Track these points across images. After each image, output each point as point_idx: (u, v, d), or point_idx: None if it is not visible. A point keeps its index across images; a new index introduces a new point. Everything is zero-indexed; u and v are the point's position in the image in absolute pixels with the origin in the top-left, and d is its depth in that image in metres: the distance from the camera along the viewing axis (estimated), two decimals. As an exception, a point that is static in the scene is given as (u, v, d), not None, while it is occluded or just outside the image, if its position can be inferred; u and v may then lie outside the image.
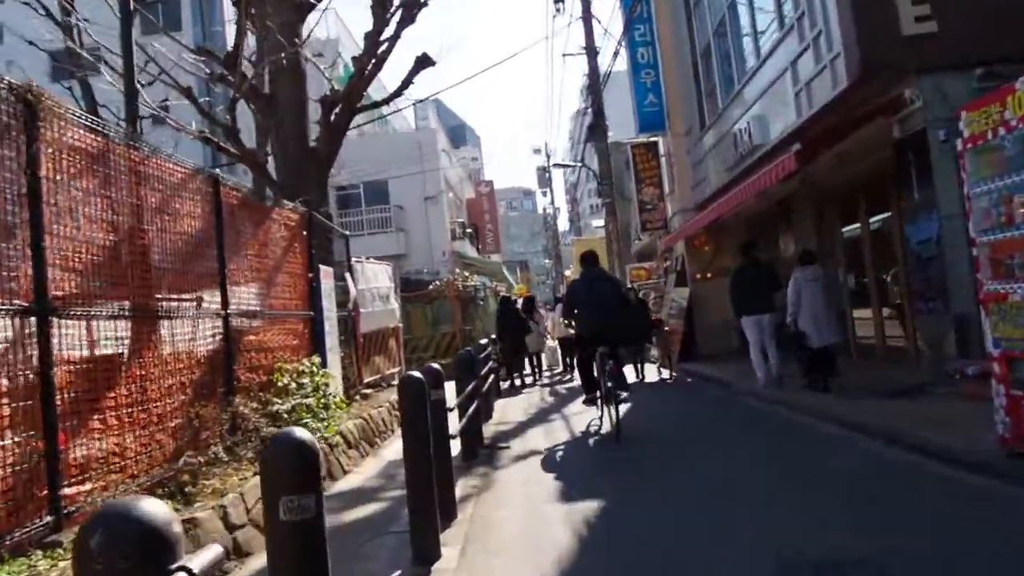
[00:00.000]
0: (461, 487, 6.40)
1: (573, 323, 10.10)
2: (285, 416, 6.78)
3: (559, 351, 18.78)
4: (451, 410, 5.39)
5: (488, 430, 9.59)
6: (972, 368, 7.79)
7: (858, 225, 11.88)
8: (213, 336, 6.42)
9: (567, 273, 54.77)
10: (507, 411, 11.78)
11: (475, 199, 34.18)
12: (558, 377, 17.68)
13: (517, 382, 15.76)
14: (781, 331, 10.75)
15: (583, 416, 10.31)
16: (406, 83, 11.69)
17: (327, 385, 7.94)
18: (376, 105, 12.44)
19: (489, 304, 24.47)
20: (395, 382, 13.83)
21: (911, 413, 7.70)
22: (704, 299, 17.35)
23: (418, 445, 4.59)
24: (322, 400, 7.38)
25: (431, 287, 21.25)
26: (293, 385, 7.36)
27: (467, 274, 22.52)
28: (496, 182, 37.15)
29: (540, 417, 10.98)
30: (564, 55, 24.13)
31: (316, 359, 7.99)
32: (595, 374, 9.24)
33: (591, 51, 21.15)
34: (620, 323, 9.56)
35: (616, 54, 19.31)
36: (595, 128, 21.60)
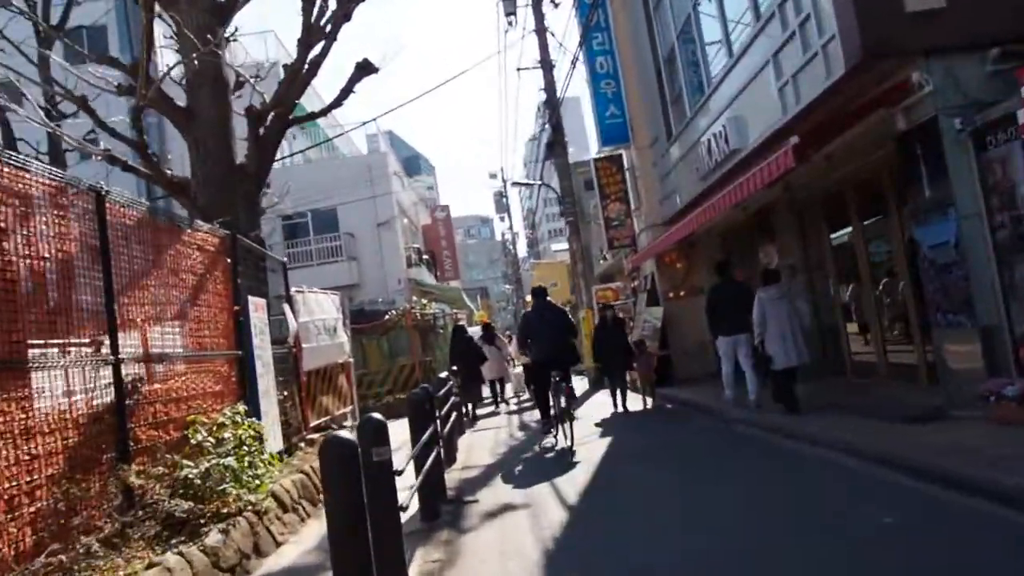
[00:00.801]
0: (420, 563, 5.12)
1: (527, 351, 11.51)
2: (197, 483, 5.43)
3: (523, 377, 18.10)
4: (399, 473, 4.10)
5: (452, 477, 8.30)
6: (1011, 388, 6.74)
7: (850, 231, 10.88)
8: (98, 388, 5.07)
9: (528, 299, 53.69)
10: (472, 451, 10.48)
11: (431, 225, 32.87)
12: (527, 404, 16.72)
13: (478, 410, 15.63)
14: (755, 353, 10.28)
15: (559, 453, 9.11)
16: (346, 91, 10.46)
17: (256, 437, 6.59)
18: (313, 117, 11.19)
19: (450, 332, 23.15)
20: (348, 423, 12.48)
21: (945, 442, 6.62)
22: (678, 319, 16.32)
23: (349, 530, 3.33)
24: (246, 457, 6.03)
25: (387, 317, 19.90)
26: (211, 441, 6.01)
27: (425, 302, 21.21)
28: (452, 210, 35.68)
29: (510, 457, 9.71)
30: (519, 69, 23.30)
31: (240, 407, 6.65)
32: (550, 398, 10.27)
33: (546, 65, 20.19)
34: (571, 349, 10.67)
35: (574, 64, 18.22)
36: (554, 144, 20.60)
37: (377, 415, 4.10)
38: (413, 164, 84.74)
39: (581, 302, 20.58)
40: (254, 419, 6.71)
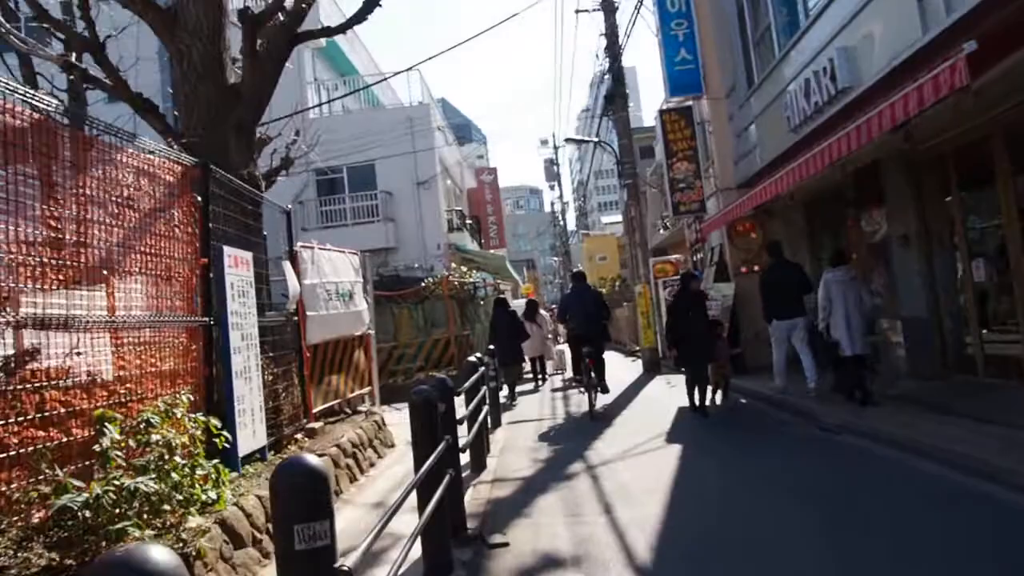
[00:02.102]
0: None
1: (566, 326, 13.00)
2: (85, 519, 3.59)
3: (567, 354, 17.00)
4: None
5: (478, 495, 6.42)
6: None
7: (990, 190, 8.60)
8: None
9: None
10: (507, 452, 8.56)
11: (477, 188, 30.75)
12: (573, 384, 15.38)
13: (511, 393, 14.29)
14: (817, 338, 9.77)
15: (620, 465, 7.16)
16: (372, 2, 8.50)
17: (205, 439, 4.76)
18: (329, 32, 9.19)
19: (491, 304, 21.32)
20: (363, 407, 10.68)
21: None
22: (750, 298, 14.12)
23: None
24: (175, 472, 4.16)
25: (423, 284, 18.05)
26: (128, 446, 4.18)
27: (465, 269, 19.32)
28: (502, 181, 33.30)
29: (554, 464, 7.76)
30: (577, 11, 21.09)
31: (184, 397, 4.78)
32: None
33: (609, 6, 17.95)
34: (602, 329, 12.19)
35: (638, 7, 16.03)
36: (613, 97, 18.39)
37: (309, 457, 2.19)
38: (464, 131, 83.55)
39: (637, 276, 18.45)
40: (201, 414, 4.84)
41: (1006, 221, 8.18)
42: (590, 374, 11.01)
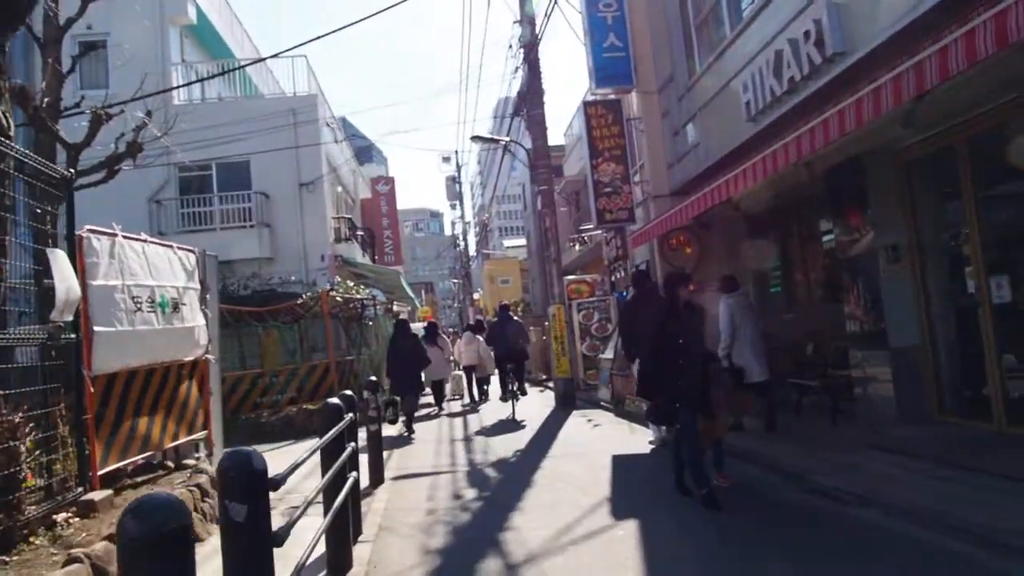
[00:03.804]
0: None
1: (493, 350, 15.61)
2: None
3: (464, 379, 17.90)
4: None
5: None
6: None
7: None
8: None
9: (476, 296, 49.98)
10: (387, 534, 5.97)
11: (372, 199, 27.79)
12: (469, 407, 16.07)
13: (409, 426, 12.46)
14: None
15: (556, 562, 4.72)
16: None
17: None
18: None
19: (383, 325, 18.59)
20: (194, 459, 7.90)
21: None
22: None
23: None
24: None
25: (299, 301, 15.22)
26: None
27: (352, 284, 16.58)
28: (401, 204, 30.03)
29: (456, 560, 5.25)
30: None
31: None
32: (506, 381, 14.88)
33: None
34: (522, 351, 15.34)
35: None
36: (527, 93, 16.17)
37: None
38: (365, 153, 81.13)
39: (551, 296, 16.14)
40: None
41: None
42: (514, 386, 14.04)
